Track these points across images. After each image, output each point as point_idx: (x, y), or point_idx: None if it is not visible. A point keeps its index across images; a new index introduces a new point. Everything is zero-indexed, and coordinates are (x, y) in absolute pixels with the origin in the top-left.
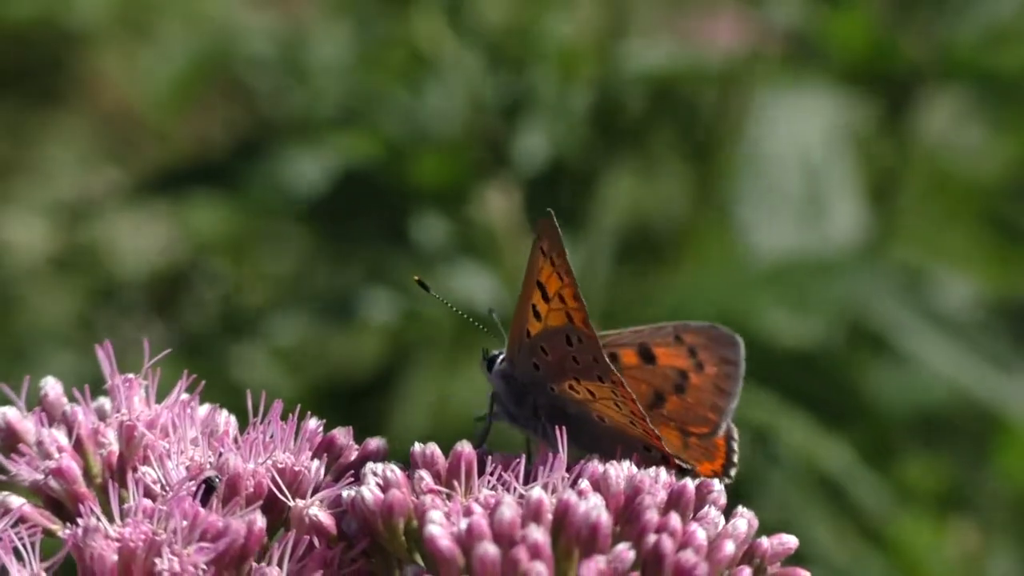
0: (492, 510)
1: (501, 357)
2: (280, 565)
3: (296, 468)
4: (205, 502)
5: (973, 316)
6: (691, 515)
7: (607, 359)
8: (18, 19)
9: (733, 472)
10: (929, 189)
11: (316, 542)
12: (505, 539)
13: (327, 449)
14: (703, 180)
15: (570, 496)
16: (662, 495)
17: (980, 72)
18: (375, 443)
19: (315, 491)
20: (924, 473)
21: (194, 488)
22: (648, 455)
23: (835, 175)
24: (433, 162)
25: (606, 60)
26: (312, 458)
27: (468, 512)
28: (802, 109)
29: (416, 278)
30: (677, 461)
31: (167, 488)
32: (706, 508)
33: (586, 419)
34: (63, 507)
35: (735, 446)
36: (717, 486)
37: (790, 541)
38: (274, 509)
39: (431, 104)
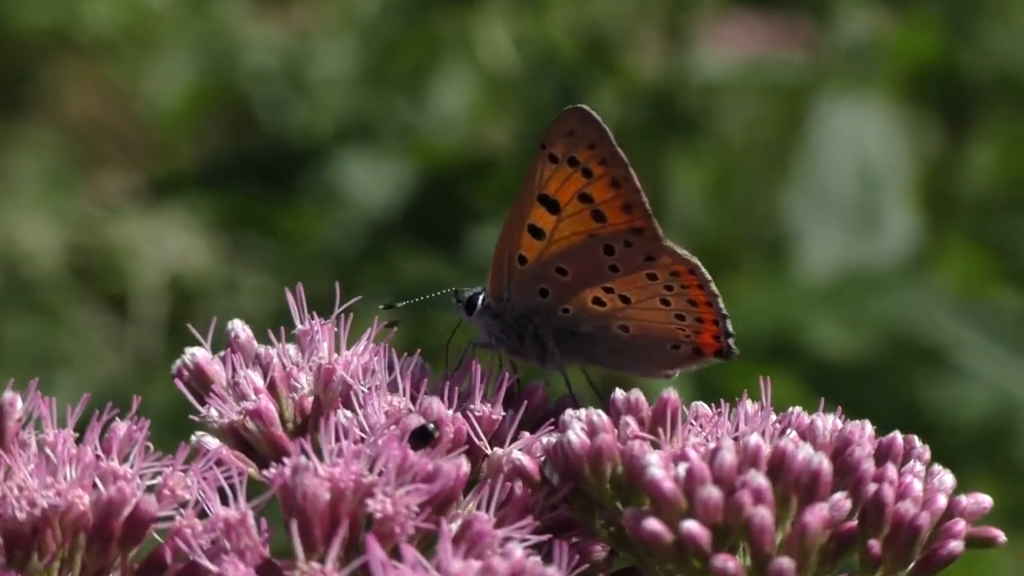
0: (712, 454)
1: (482, 296)
2: (484, 511)
3: (493, 416)
4: (415, 448)
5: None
6: (899, 467)
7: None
8: (18, 28)
9: (730, 327)
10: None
11: (517, 489)
12: (726, 483)
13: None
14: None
15: (787, 444)
16: (869, 447)
17: None
18: (540, 393)
19: (512, 440)
20: (989, 491)
21: (399, 433)
22: (676, 353)
23: (892, 185)
24: (490, 172)
25: (667, 69)
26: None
27: (683, 458)
28: (861, 120)
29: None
30: (714, 349)
31: (368, 432)
32: (912, 462)
33: (602, 335)
34: (253, 451)
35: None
36: (919, 442)
37: (986, 500)
38: (469, 458)
39: (464, 113)
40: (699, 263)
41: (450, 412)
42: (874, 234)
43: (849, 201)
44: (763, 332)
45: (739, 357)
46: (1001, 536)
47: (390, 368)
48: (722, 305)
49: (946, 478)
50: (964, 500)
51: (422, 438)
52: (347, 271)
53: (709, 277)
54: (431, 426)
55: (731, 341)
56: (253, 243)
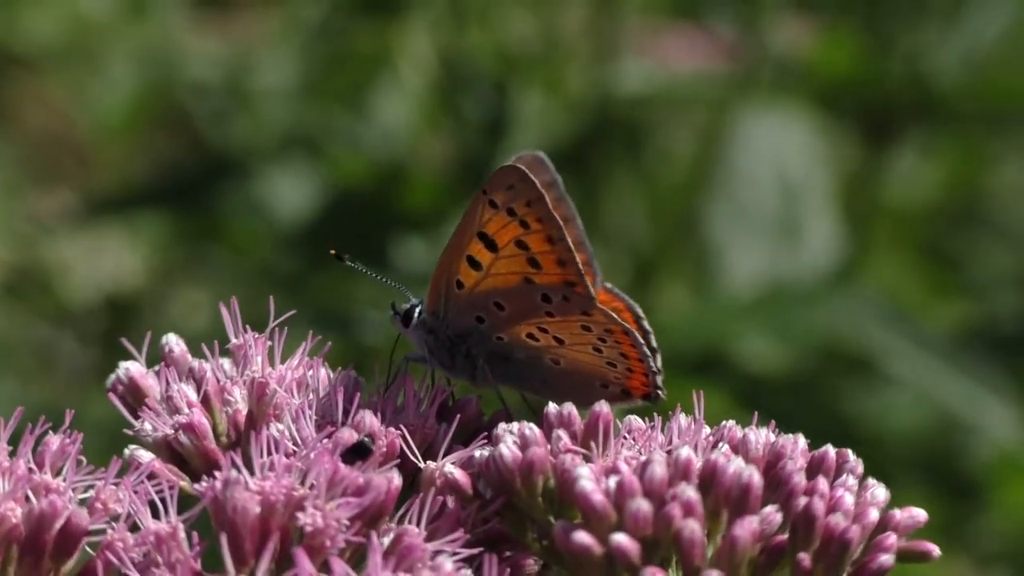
0: (643, 467)
1: (418, 310)
2: (415, 524)
3: (427, 430)
4: (349, 463)
5: (955, 339)
6: (831, 481)
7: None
8: None
9: (660, 380)
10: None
11: (450, 502)
12: (656, 496)
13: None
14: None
15: (718, 457)
16: (801, 461)
17: (955, 104)
18: (473, 406)
19: (445, 453)
20: (923, 502)
21: (331, 447)
22: (605, 391)
23: (813, 197)
24: (413, 184)
25: (590, 81)
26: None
27: (613, 471)
28: (780, 130)
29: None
30: (642, 393)
31: (300, 446)
32: (844, 476)
33: (536, 363)
34: (187, 464)
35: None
36: (852, 455)
37: (920, 514)
38: (402, 472)
39: (404, 125)
40: (631, 328)
41: (383, 425)
42: (796, 246)
43: (771, 213)
44: (692, 345)
45: (670, 371)
46: (935, 550)
47: (324, 382)
48: (652, 363)
49: (878, 492)
50: (898, 514)
51: (359, 453)
52: (285, 285)
53: (642, 340)
54: (367, 440)
55: (660, 390)
56: (190, 258)
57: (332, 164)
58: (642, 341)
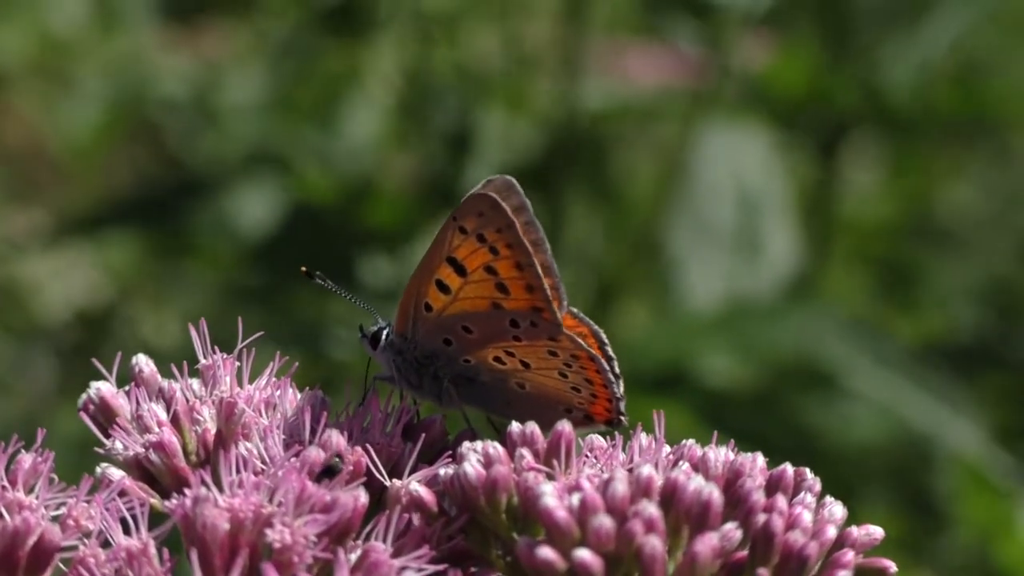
0: (604, 485)
1: (386, 331)
2: (381, 542)
3: (392, 448)
4: (317, 482)
5: (913, 353)
6: (790, 499)
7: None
8: None
9: (623, 407)
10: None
11: (415, 520)
12: (618, 513)
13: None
14: (642, 216)
15: (679, 475)
16: (760, 479)
17: (908, 118)
18: (438, 426)
19: (411, 472)
20: (883, 518)
21: (298, 465)
22: (568, 416)
23: (772, 212)
24: (379, 201)
25: (555, 97)
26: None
27: (576, 488)
28: (740, 147)
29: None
30: (604, 419)
31: (268, 464)
32: (802, 493)
33: (501, 386)
34: (157, 482)
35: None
36: (810, 474)
37: (877, 532)
38: (368, 490)
39: (371, 142)
40: (597, 354)
41: (349, 444)
42: (756, 261)
43: (730, 228)
44: (653, 362)
45: (632, 388)
46: (892, 567)
47: (291, 401)
48: (616, 390)
49: (836, 509)
50: (855, 531)
51: (328, 474)
52: (255, 301)
53: (607, 367)
54: (337, 461)
55: (622, 416)
56: (161, 274)
57: (299, 180)
58: (607, 367)
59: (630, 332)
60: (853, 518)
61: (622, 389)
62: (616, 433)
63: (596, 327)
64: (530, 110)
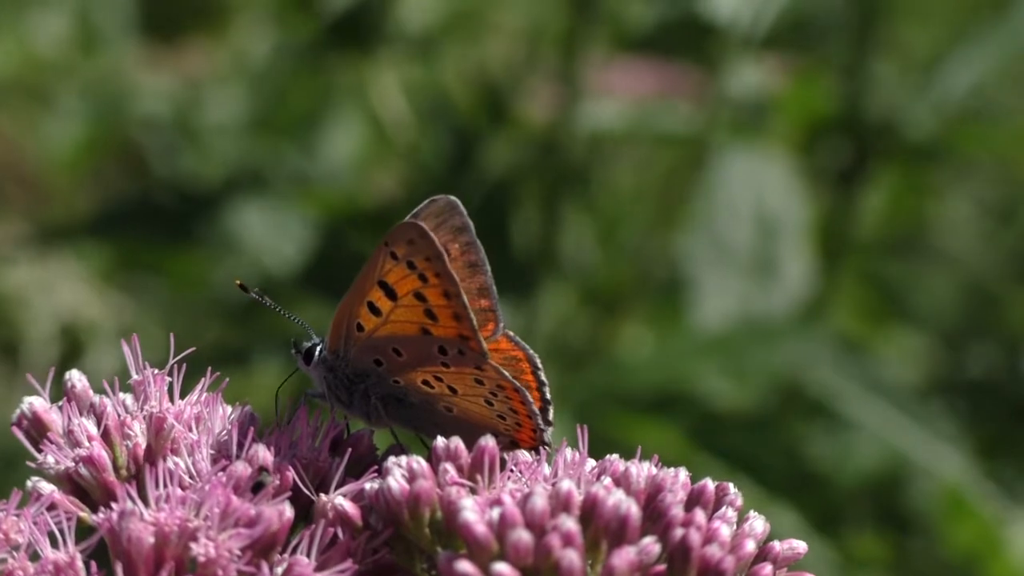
0: (524, 500)
1: (320, 348)
2: (306, 555)
3: (320, 463)
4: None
5: (909, 384)
6: (711, 513)
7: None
8: None
9: (547, 437)
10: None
11: (340, 533)
12: (537, 527)
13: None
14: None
15: (598, 490)
16: (681, 494)
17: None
18: (366, 441)
19: (337, 486)
20: (872, 543)
21: (224, 479)
22: (495, 439)
23: (789, 235)
24: (364, 220)
25: (559, 117)
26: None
27: (497, 503)
28: (758, 169)
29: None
30: (529, 446)
31: (195, 478)
32: (723, 508)
33: (430, 408)
34: (88, 496)
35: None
36: (733, 489)
37: (800, 546)
38: (296, 504)
39: (354, 161)
40: (521, 387)
41: (277, 459)
42: (771, 283)
43: (746, 250)
44: (650, 382)
45: (626, 407)
46: None
47: (220, 417)
48: (539, 421)
49: (756, 524)
50: (778, 546)
51: (256, 488)
52: (238, 319)
53: (531, 399)
54: (266, 476)
55: (547, 444)
56: (145, 291)
57: (281, 198)
58: (530, 400)
59: (628, 351)
60: (844, 542)
61: (551, 415)
62: (548, 449)
63: (531, 352)
64: (529, 128)
